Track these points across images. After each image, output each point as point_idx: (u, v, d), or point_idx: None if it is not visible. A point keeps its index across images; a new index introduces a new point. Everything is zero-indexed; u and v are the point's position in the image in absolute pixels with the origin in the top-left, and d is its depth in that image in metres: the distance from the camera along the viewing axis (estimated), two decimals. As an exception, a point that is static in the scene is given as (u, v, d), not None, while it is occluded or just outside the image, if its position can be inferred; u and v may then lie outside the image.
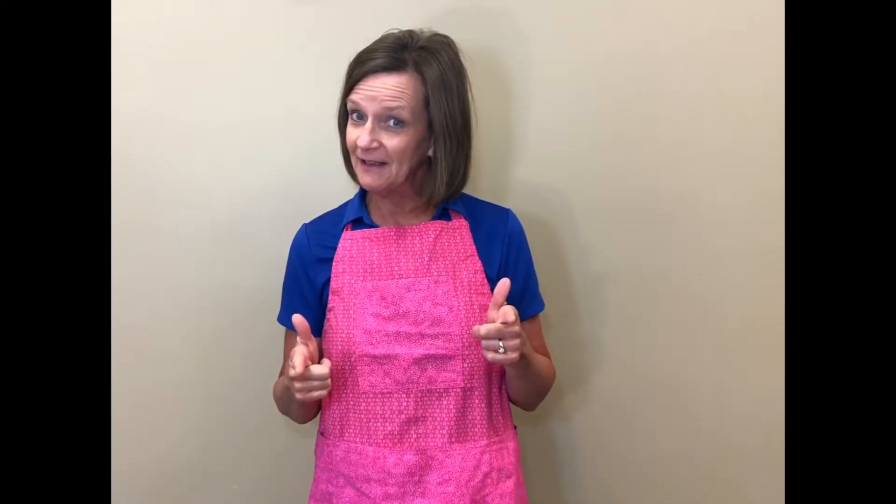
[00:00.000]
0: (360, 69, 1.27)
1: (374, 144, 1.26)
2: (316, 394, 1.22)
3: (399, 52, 1.27)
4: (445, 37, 1.32)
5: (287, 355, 1.38)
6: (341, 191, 1.49)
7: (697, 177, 1.61)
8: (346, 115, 1.32)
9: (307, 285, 1.38)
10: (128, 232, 1.57)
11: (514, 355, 1.21)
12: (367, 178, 1.30)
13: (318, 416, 1.41)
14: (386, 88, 1.25)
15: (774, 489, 1.61)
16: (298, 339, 1.24)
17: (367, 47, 1.30)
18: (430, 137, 1.30)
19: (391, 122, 1.26)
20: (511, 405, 1.41)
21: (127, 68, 1.54)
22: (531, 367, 1.31)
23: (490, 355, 1.21)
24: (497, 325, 1.18)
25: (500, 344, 1.20)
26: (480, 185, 1.57)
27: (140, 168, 1.58)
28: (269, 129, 1.59)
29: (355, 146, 1.28)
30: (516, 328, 1.20)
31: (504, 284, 1.22)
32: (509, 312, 1.18)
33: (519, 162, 1.62)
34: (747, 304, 1.62)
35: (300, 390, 1.21)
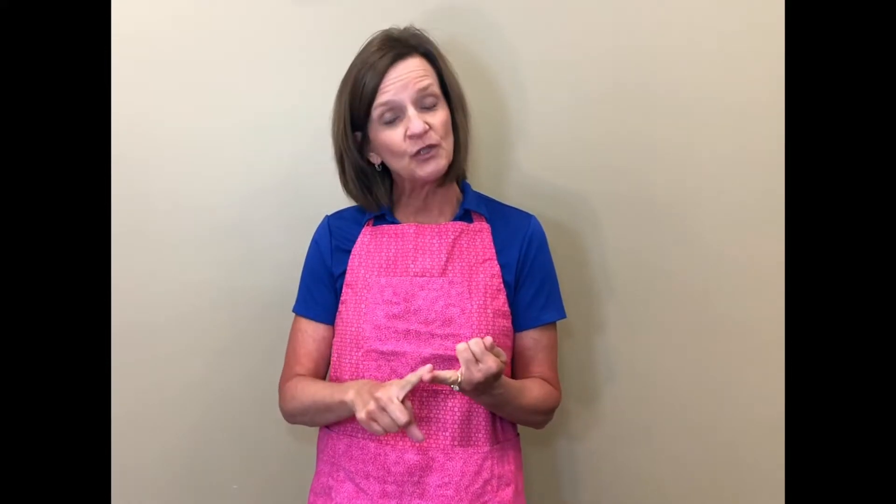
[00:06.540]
0: (375, 70, 1.27)
1: (427, 126, 1.26)
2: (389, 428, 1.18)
3: (398, 43, 1.29)
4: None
5: (297, 347, 1.37)
6: (342, 191, 1.49)
7: (698, 176, 1.60)
8: (353, 135, 1.31)
9: (326, 275, 1.37)
10: (128, 232, 1.57)
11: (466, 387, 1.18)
12: (430, 167, 1.28)
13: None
14: (411, 71, 1.27)
15: (775, 491, 1.61)
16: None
17: (364, 56, 1.30)
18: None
19: (426, 104, 1.28)
20: None
21: (127, 69, 1.54)
22: (504, 406, 1.28)
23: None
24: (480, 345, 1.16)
25: (459, 379, 1.17)
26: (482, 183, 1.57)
27: (140, 169, 1.58)
28: (269, 130, 1.59)
29: (404, 140, 1.27)
30: (491, 365, 1.16)
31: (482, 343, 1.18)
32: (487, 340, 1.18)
33: (516, 161, 1.61)
34: (748, 304, 1.62)
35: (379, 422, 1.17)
